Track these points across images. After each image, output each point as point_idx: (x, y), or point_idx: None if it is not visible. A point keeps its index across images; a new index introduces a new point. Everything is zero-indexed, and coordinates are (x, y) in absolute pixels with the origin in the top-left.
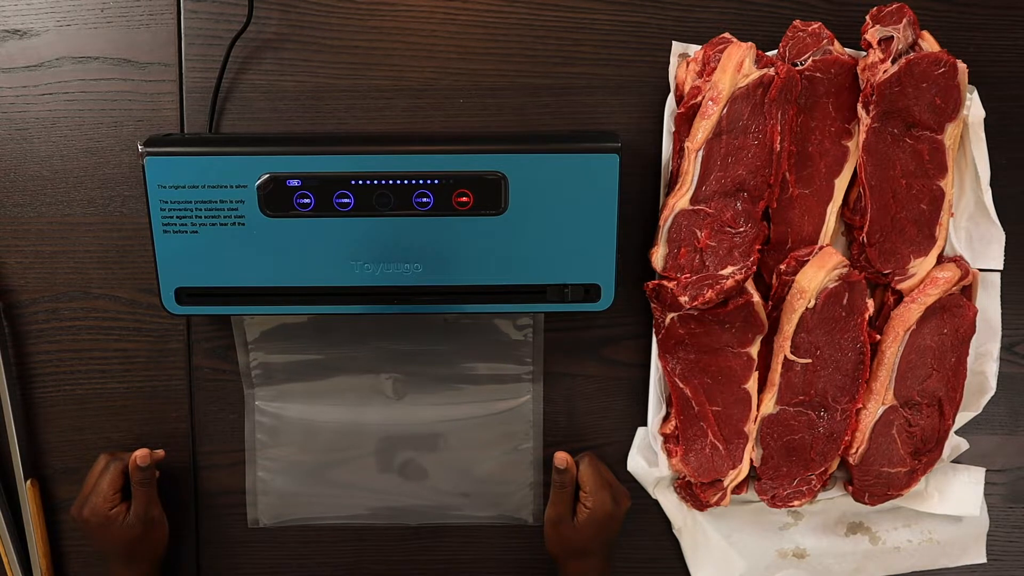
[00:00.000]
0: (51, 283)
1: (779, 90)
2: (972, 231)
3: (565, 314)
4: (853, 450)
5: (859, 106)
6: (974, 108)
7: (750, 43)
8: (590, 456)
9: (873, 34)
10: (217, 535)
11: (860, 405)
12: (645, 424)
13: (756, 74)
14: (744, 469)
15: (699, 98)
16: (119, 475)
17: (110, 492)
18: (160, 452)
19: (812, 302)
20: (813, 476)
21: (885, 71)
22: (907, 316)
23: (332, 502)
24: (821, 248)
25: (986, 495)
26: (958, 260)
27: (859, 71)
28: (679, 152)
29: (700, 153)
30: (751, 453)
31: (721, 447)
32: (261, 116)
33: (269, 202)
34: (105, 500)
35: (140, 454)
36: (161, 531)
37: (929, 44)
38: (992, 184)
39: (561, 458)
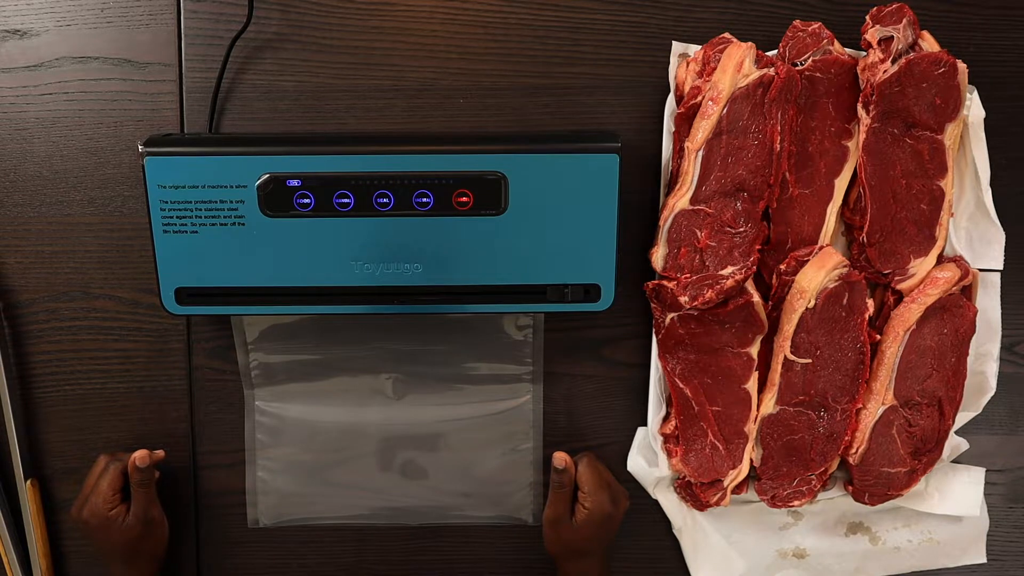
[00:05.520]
0: (51, 283)
1: (779, 90)
2: (972, 231)
3: (565, 314)
4: (853, 450)
5: (859, 106)
6: (974, 108)
7: (750, 43)
8: (589, 456)
9: (873, 34)
10: (217, 535)
11: (860, 405)
12: (645, 424)
13: (756, 74)
14: (744, 469)
15: (699, 98)
16: (119, 476)
17: (109, 493)
18: (160, 453)
19: (812, 302)
20: (813, 476)
21: (885, 71)
22: (907, 316)
23: (332, 502)
24: (821, 248)
25: (986, 495)
26: (958, 260)
27: (859, 71)
28: (679, 152)
29: (700, 153)
30: (751, 453)
31: (721, 447)
32: (261, 116)
33: (269, 202)
34: (105, 501)
35: (139, 455)
36: (161, 531)
37: (929, 44)
38: (992, 184)
39: (560, 458)
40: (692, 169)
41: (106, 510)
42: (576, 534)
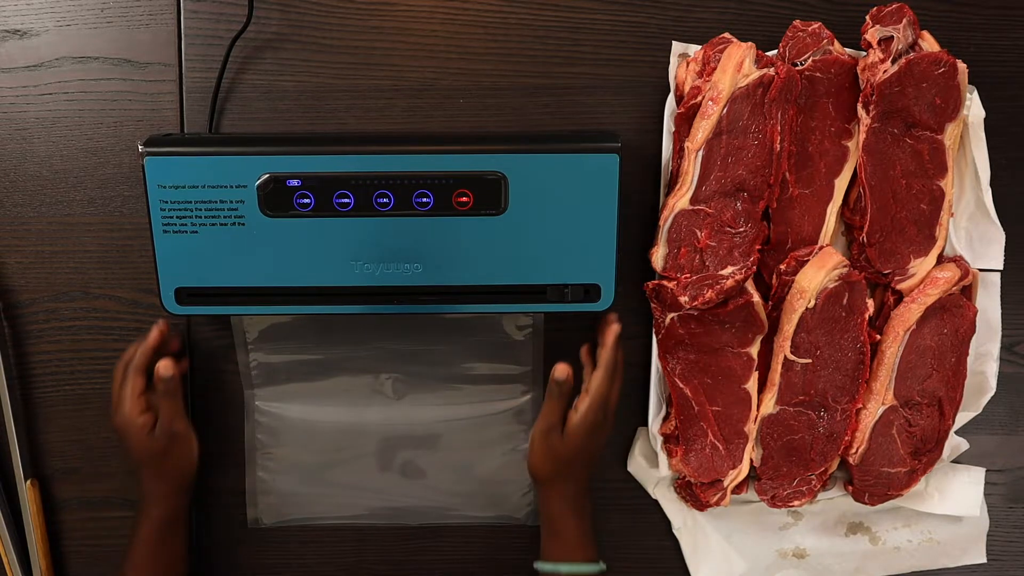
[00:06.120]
0: (51, 283)
1: (779, 90)
2: (972, 231)
3: (565, 314)
4: (853, 450)
5: (859, 106)
6: (974, 108)
7: (750, 43)
8: (606, 370)
9: (873, 34)
10: (217, 535)
11: (860, 405)
12: (645, 424)
13: (756, 74)
14: (744, 469)
15: (699, 98)
16: (140, 379)
17: (135, 396)
18: (184, 364)
19: (812, 302)
20: (813, 476)
21: (885, 71)
22: (907, 316)
23: (332, 502)
24: (821, 248)
25: (986, 495)
26: (958, 260)
27: (859, 71)
28: (679, 152)
29: (700, 153)
30: (751, 453)
31: (721, 447)
32: (261, 116)
33: (269, 202)
34: (133, 406)
35: (163, 364)
36: (187, 447)
37: (929, 44)
38: (992, 184)
39: (563, 370)
40: (692, 169)
41: (136, 414)
42: (566, 445)
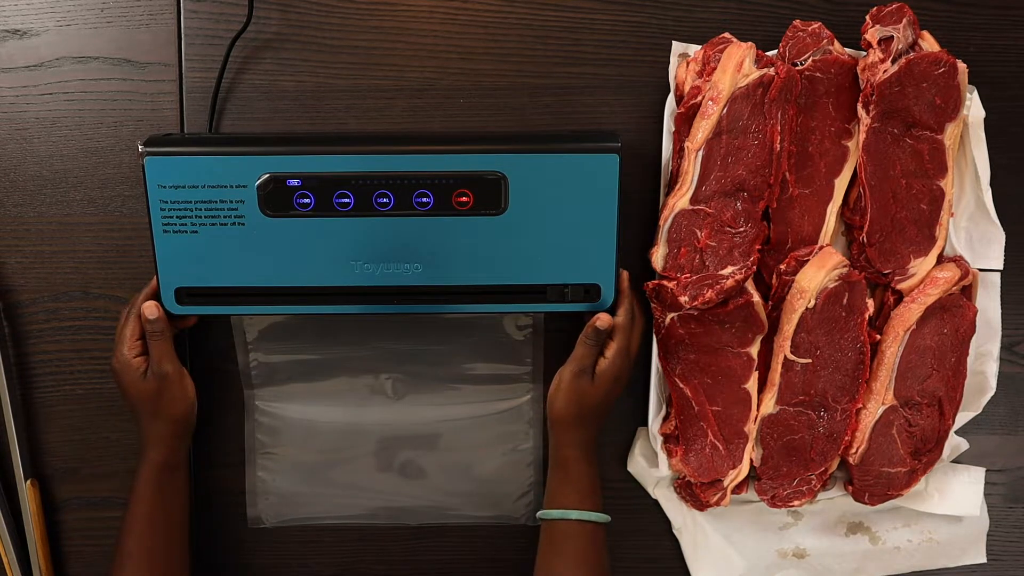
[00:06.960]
0: (51, 283)
1: (779, 90)
2: (972, 231)
3: (565, 314)
4: (853, 450)
5: (859, 106)
6: (974, 108)
7: (750, 43)
8: (627, 316)
9: (873, 34)
10: (217, 535)
11: (860, 405)
12: (645, 424)
13: (756, 74)
14: (744, 469)
15: (699, 98)
16: (137, 322)
17: (132, 340)
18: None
19: (812, 302)
20: (813, 476)
21: (885, 71)
22: (907, 316)
23: (332, 502)
24: (821, 248)
25: (986, 495)
26: (958, 260)
27: (859, 71)
28: (679, 152)
29: (700, 153)
30: (751, 453)
31: (721, 447)
32: (261, 116)
33: (269, 202)
34: (129, 348)
35: (148, 305)
36: (178, 389)
37: (929, 44)
38: (992, 184)
39: (605, 319)
40: (692, 169)
41: (130, 356)
42: (595, 388)
